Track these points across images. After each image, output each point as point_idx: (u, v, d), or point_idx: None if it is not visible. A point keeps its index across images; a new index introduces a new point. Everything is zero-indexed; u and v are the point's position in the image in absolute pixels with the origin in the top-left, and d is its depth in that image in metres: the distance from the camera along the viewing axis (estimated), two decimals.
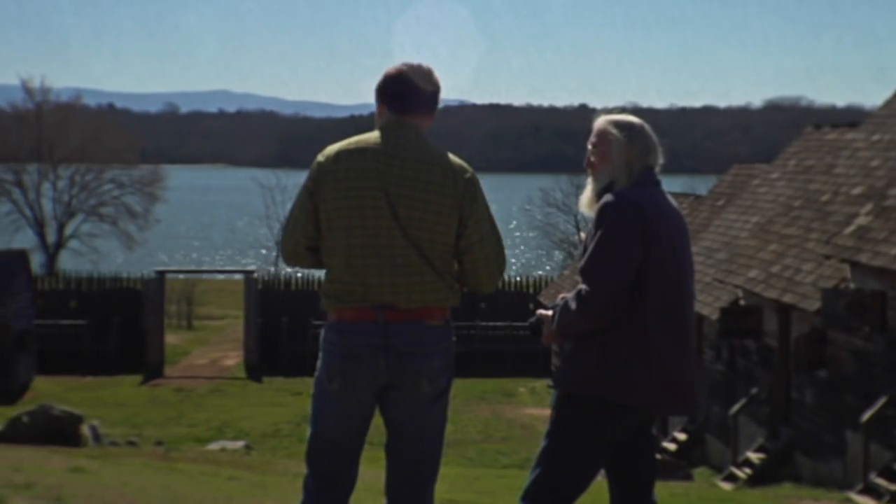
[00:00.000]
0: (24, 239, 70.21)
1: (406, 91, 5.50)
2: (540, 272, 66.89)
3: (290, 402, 37.93)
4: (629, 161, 5.58)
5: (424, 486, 5.58)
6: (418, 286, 5.33)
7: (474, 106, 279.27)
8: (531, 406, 37.59)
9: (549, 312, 5.63)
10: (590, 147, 5.72)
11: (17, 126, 77.63)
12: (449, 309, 5.45)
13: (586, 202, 5.70)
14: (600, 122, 5.72)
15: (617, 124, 5.67)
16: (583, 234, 5.66)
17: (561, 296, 5.64)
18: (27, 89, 79.05)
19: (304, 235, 5.46)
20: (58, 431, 20.79)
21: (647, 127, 5.70)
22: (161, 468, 14.55)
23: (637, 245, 5.35)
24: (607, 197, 5.46)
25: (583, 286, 5.36)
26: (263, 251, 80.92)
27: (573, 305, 5.37)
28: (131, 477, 12.21)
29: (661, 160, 5.68)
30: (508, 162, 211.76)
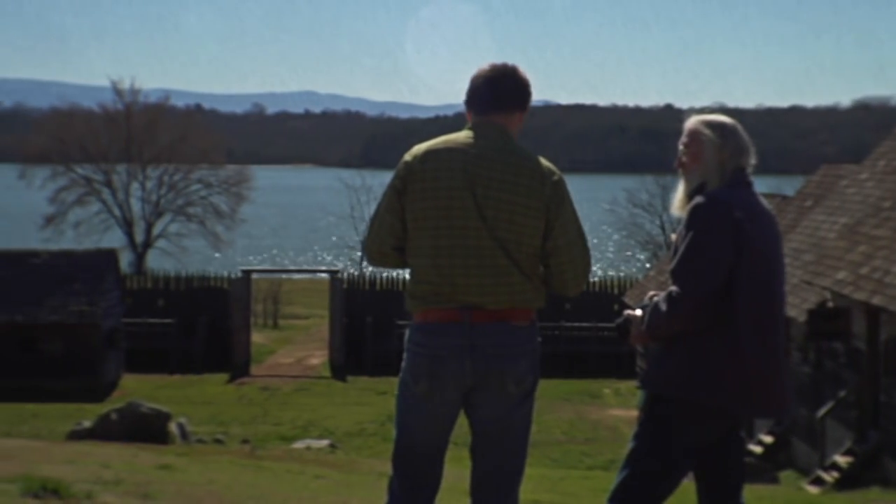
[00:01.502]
0: (113, 238, 71.04)
1: (487, 90, 5.48)
2: (625, 273, 66.64)
3: (375, 401, 38.07)
4: (721, 161, 5.51)
5: (509, 488, 5.56)
6: (505, 287, 5.28)
7: (559, 106, 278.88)
8: (616, 407, 37.45)
9: (637, 313, 5.59)
10: (681, 147, 5.66)
11: (106, 127, 78.55)
12: (535, 310, 5.43)
13: (678, 204, 5.64)
14: (692, 122, 5.65)
15: (709, 124, 5.60)
16: (673, 236, 5.61)
17: (649, 294, 5.60)
18: (117, 90, 79.99)
19: (391, 235, 5.43)
20: (146, 429, 21.04)
21: (739, 127, 5.63)
22: (247, 466, 14.66)
23: (728, 246, 5.28)
24: (698, 198, 5.39)
25: (673, 287, 5.31)
26: (349, 251, 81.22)
27: (663, 307, 5.32)
28: (218, 474, 12.32)
29: (753, 161, 5.61)
30: (593, 162, 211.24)
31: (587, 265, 5.47)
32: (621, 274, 63.77)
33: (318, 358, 48.79)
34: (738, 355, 5.30)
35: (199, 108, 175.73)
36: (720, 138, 5.54)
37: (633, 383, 37.83)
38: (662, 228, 70.51)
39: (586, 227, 5.58)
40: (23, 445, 15.97)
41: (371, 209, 71.70)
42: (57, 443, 19.38)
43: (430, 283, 5.34)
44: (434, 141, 5.43)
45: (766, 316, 5.36)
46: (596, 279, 50.07)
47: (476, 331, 5.29)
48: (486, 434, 5.47)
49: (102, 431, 21.02)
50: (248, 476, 12.80)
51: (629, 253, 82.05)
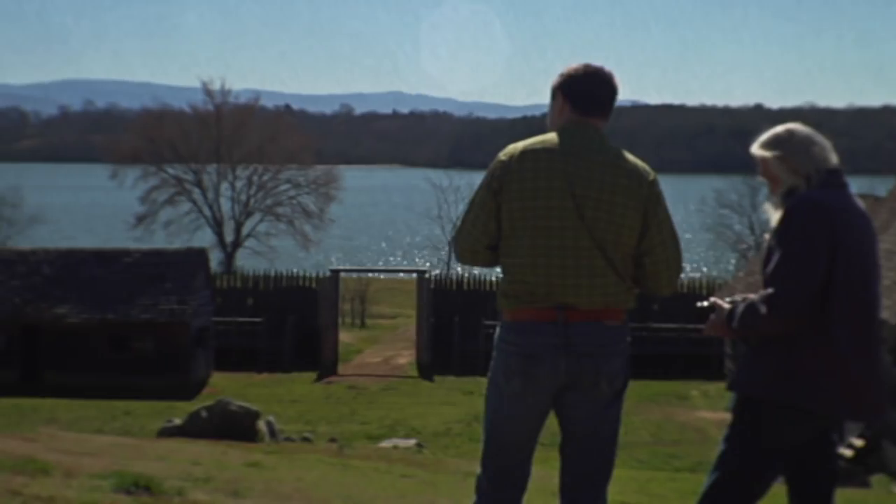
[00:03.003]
0: (203, 238, 71.72)
1: (594, 91, 5.48)
2: (713, 274, 66.11)
3: (462, 401, 38.09)
4: (793, 169, 5.47)
5: (598, 488, 5.55)
6: (600, 288, 5.26)
7: (648, 106, 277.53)
8: (704, 409, 37.16)
9: (725, 304, 5.55)
10: (760, 178, 5.69)
11: (197, 127, 79.30)
12: (626, 310, 5.42)
13: (770, 209, 5.61)
14: (753, 150, 5.66)
15: (763, 144, 5.60)
16: (766, 236, 5.57)
17: (739, 294, 5.55)
18: (207, 91, 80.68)
19: (484, 234, 5.44)
20: (235, 426, 21.23)
21: (796, 128, 5.59)
22: (335, 464, 14.74)
23: (824, 248, 5.21)
24: (792, 200, 5.36)
25: (771, 290, 5.26)
26: (436, 251, 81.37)
27: (762, 308, 5.26)
28: (306, 472, 12.39)
29: (833, 157, 5.54)
30: (682, 162, 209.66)
31: (679, 265, 5.48)
32: (711, 275, 63.33)
33: (406, 357, 48.93)
34: (833, 357, 5.24)
35: (288, 108, 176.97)
36: (777, 150, 5.52)
37: (721, 385, 37.55)
38: (751, 229, 69.85)
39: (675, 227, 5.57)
40: (115, 442, 16.17)
41: (458, 209, 72.03)
42: (148, 440, 19.61)
43: (526, 283, 5.31)
44: (530, 141, 5.42)
45: (861, 318, 5.30)
46: (684, 280, 49.74)
47: (570, 330, 5.26)
48: (577, 434, 5.46)
49: (192, 429, 21.24)
50: (336, 474, 12.87)
51: (713, 252, 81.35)
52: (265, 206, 78.80)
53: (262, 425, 22.45)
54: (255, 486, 9.99)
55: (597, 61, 5.56)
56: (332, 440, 26.70)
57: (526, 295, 5.33)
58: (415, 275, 53.43)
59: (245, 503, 9.08)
